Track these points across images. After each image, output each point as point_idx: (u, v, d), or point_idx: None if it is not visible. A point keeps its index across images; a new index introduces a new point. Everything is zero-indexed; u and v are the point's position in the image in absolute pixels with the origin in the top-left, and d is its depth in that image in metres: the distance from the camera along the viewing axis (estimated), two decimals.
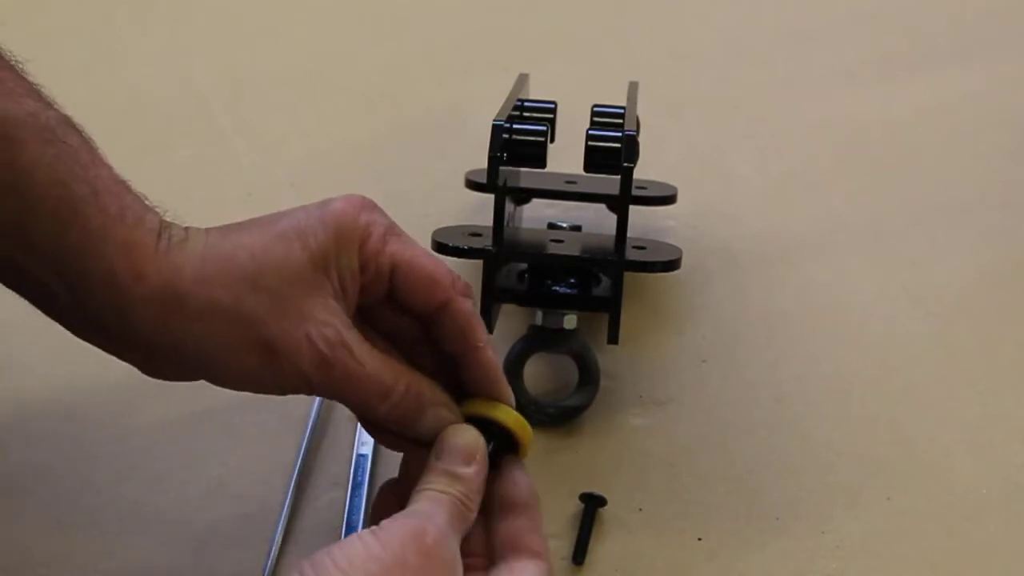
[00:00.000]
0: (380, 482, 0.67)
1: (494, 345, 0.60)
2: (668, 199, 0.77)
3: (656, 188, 0.78)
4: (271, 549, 0.64)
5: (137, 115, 0.89)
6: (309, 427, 0.70)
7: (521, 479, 0.59)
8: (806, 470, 0.69)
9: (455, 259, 0.69)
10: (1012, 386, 0.74)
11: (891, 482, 0.69)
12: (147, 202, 0.56)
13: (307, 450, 0.69)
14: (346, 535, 0.65)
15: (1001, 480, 0.69)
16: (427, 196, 0.84)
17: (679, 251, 0.72)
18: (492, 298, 0.67)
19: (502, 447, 0.58)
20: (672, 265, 0.70)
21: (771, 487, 0.68)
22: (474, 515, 0.56)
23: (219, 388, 0.58)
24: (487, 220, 0.68)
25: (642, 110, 0.73)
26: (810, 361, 0.75)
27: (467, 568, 0.55)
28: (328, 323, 0.56)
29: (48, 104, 0.55)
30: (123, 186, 0.56)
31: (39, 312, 0.56)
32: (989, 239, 0.84)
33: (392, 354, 0.59)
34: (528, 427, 0.59)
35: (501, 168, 0.66)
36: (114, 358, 0.57)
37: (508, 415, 0.59)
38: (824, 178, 0.89)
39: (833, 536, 0.66)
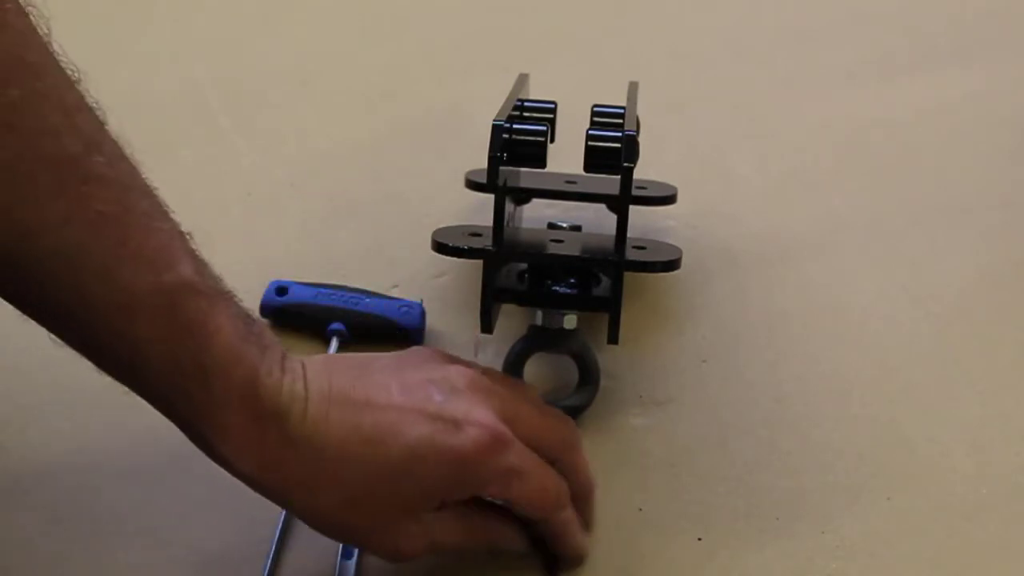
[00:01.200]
0: None
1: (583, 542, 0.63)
2: (668, 199, 0.77)
3: (656, 188, 0.78)
4: (271, 549, 0.64)
5: (137, 115, 0.88)
6: None
7: None
8: (806, 470, 0.69)
9: (455, 259, 0.69)
10: (1012, 386, 0.74)
11: (891, 482, 0.69)
12: (266, 345, 0.56)
13: None
14: None
15: (1001, 480, 0.69)
16: (427, 196, 0.84)
17: (679, 251, 0.72)
18: (492, 298, 0.67)
19: None
20: (672, 265, 0.70)
21: (771, 487, 0.68)
22: None
23: None
24: (487, 220, 0.68)
25: (642, 110, 0.73)
26: (810, 361, 0.75)
27: None
28: (420, 539, 0.59)
29: (172, 261, 0.54)
30: (239, 341, 0.55)
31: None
32: (989, 239, 0.84)
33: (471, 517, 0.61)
34: None
35: (501, 168, 0.66)
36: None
37: None
38: (824, 178, 0.89)
39: (833, 536, 0.66)
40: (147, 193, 0.54)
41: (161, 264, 0.53)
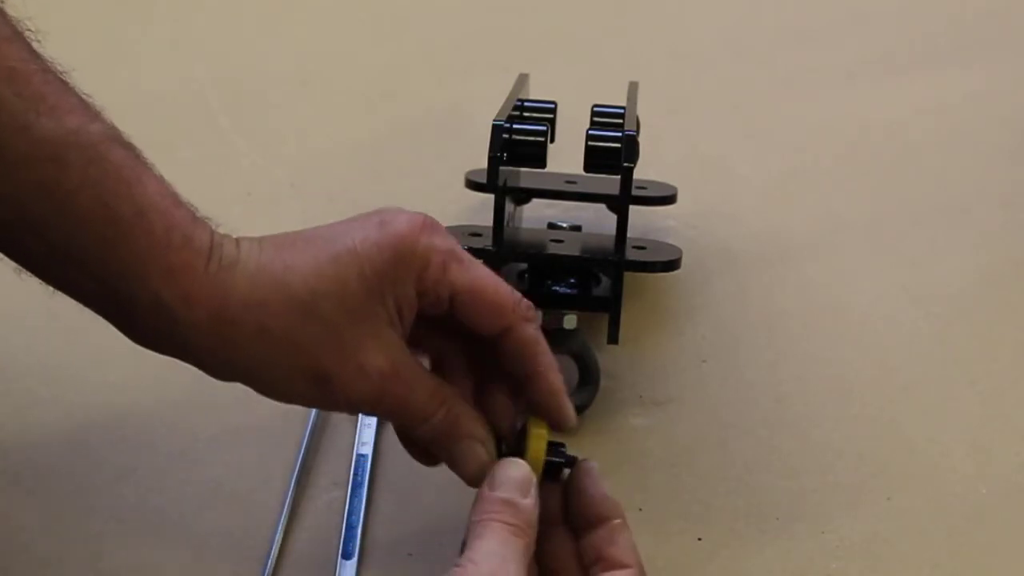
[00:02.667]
0: (380, 482, 0.68)
1: (559, 367, 0.60)
2: (668, 199, 0.77)
3: (656, 188, 0.78)
4: (271, 550, 0.64)
5: (137, 115, 0.88)
6: (309, 427, 0.70)
7: (596, 492, 0.58)
8: (806, 470, 0.69)
9: None
10: (1012, 386, 0.74)
11: (891, 482, 0.68)
12: (198, 215, 0.55)
13: (307, 450, 0.69)
14: (346, 535, 0.65)
15: (1001, 480, 0.69)
16: (427, 196, 0.84)
17: (679, 251, 0.72)
18: None
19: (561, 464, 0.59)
20: (672, 265, 0.70)
21: (771, 487, 0.68)
22: (532, 548, 0.56)
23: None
24: (487, 220, 0.68)
25: (642, 110, 0.73)
26: (810, 361, 0.75)
27: None
28: (381, 353, 0.56)
29: (93, 117, 0.54)
30: (171, 200, 0.54)
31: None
32: (989, 239, 0.84)
33: (438, 376, 0.59)
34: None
35: (501, 168, 0.66)
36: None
37: (538, 444, 0.58)
38: (824, 178, 0.89)
39: (833, 536, 0.66)
40: (53, 69, 0.54)
41: (84, 116, 0.53)
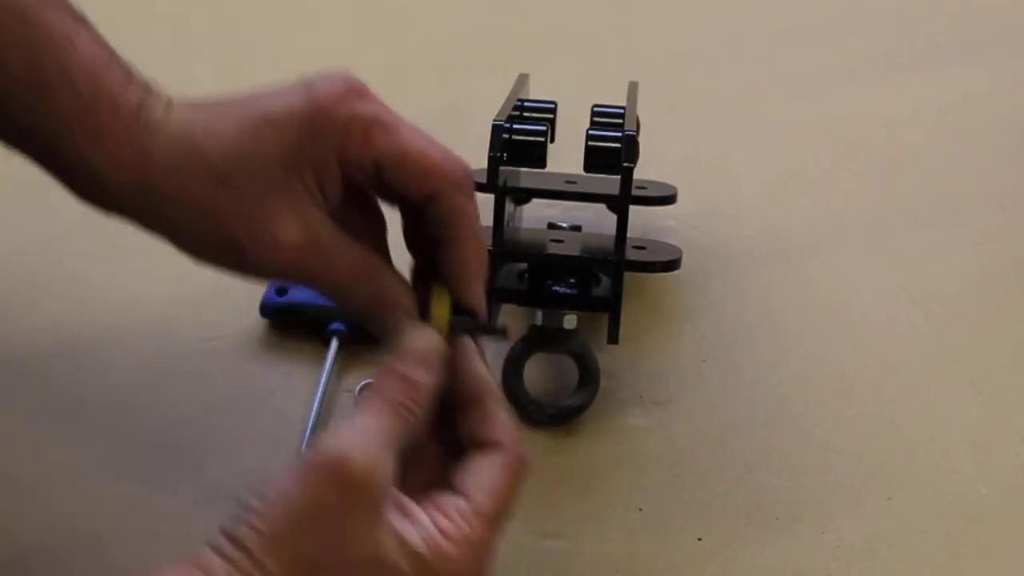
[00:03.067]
0: None
1: (482, 244, 0.58)
2: (668, 199, 0.77)
3: (656, 188, 0.78)
4: None
5: None
6: (309, 427, 0.70)
7: (470, 370, 0.56)
8: (806, 470, 0.69)
9: None
10: (1012, 386, 0.74)
11: (891, 482, 0.69)
12: (133, 75, 0.55)
13: (307, 450, 0.69)
14: None
15: (1001, 480, 0.69)
16: None
17: (679, 251, 0.72)
18: (492, 298, 0.67)
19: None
20: (672, 265, 0.70)
21: (771, 487, 0.68)
22: (421, 421, 0.54)
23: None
24: (487, 220, 0.68)
25: (642, 110, 0.73)
26: (810, 361, 0.75)
27: (422, 480, 0.54)
28: (295, 226, 0.55)
29: None
30: (103, 61, 0.54)
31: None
32: (989, 239, 0.84)
33: (365, 249, 0.57)
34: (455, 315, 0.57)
35: (501, 168, 0.66)
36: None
37: (442, 308, 0.56)
38: (824, 178, 0.89)
39: (833, 536, 0.66)
40: None
41: None
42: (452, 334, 0.56)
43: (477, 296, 0.58)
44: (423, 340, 0.55)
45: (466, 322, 0.57)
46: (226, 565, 0.50)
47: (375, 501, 0.50)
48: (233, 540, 0.50)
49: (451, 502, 0.53)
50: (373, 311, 0.57)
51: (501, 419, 0.55)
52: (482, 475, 0.54)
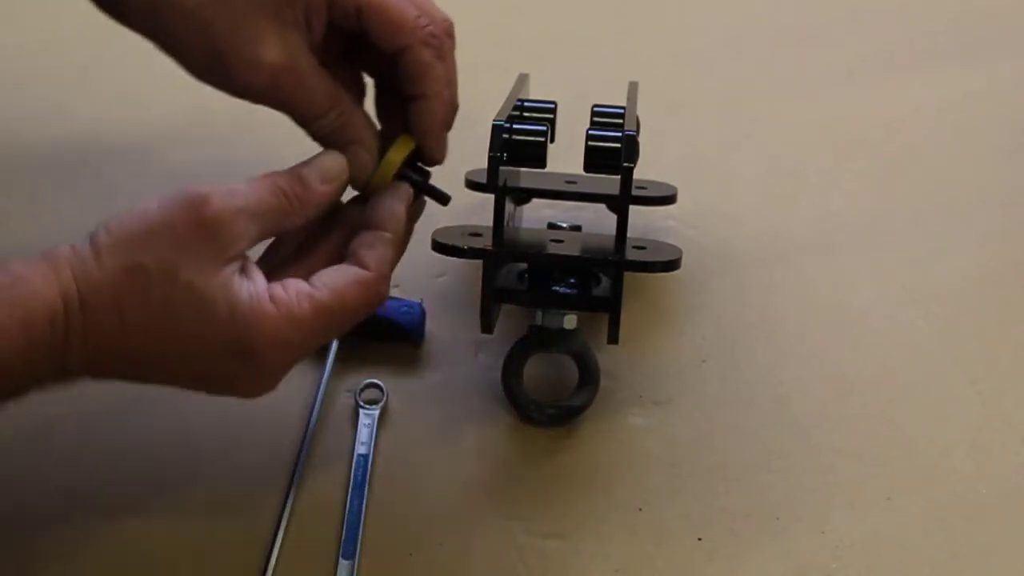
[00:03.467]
0: (380, 482, 0.68)
1: (450, 101, 0.64)
2: (668, 199, 0.77)
3: (656, 188, 0.78)
4: (271, 549, 0.64)
5: (137, 114, 0.89)
6: (310, 427, 0.70)
7: (386, 204, 0.62)
8: (806, 470, 0.69)
9: (455, 259, 0.69)
10: (1012, 386, 0.74)
11: (891, 482, 0.69)
12: None
13: (307, 450, 0.69)
14: (346, 535, 0.65)
15: (1001, 480, 0.69)
16: None
17: (679, 251, 0.72)
18: (492, 298, 0.67)
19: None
20: (672, 265, 0.70)
21: (771, 487, 0.68)
22: (293, 222, 0.60)
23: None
24: (487, 220, 0.68)
25: (642, 110, 0.73)
26: (810, 361, 0.75)
27: (283, 268, 0.60)
28: (277, 48, 0.60)
29: None
30: None
31: None
32: (989, 239, 0.84)
33: (339, 85, 0.63)
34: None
35: (501, 168, 0.66)
36: None
37: (396, 154, 0.63)
38: (824, 178, 0.89)
39: (833, 536, 0.66)
40: None
41: None
42: (396, 180, 0.63)
43: (438, 149, 0.64)
44: (333, 159, 0.62)
45: (412, 177, 0.64)
46: (71, 256, 0.55)
47: (219, 246, 0.56)
48: (89, 237, 0.56)
49: (293, 283, 0.58)
50: (336, 141, 0.63)
51: (382, 253, 0.61)
52: (334, 276, 0.59)
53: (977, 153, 0.91)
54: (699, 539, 0.66)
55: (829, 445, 0.70)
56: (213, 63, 0.62)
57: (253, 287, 0.57)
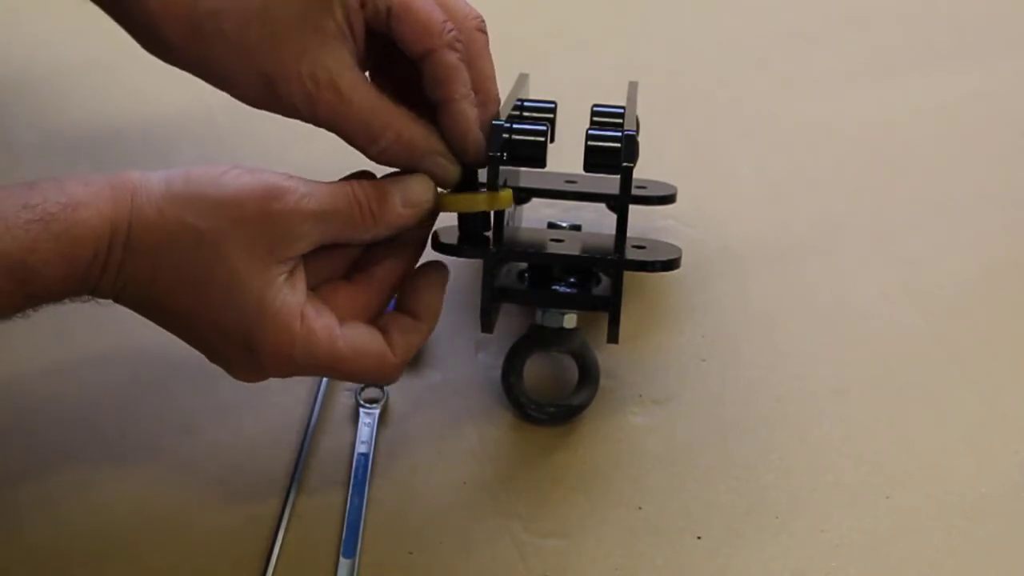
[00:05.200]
0: (380, 482, 0.68)
1: (483, 101, 0.63)
2: (668, 199, 0.77)
3: (656, 188, 0.78)
4: (272, 549, 0.64)
5: (137, 114, 0.89)
6: (310, 427, 0.70)
7: (427, 298, 0.63)
8: (806, 469, 0.69)
9: (455, 259, 0.69)
10: (1012, 386, 0.74)
11: (890, 481, 0.69)
12: None
13: (307, 450, 0.69)
14: (346, 535, 0.65)
15: (1000, 480, 0.69)
16: None
17: (679, 250, 0.72)
18: (492, 298, 0.67)
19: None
20: (672, 264, 0.70)
21: (771, 486, 0.68)
22: (361, 237, 0.60)
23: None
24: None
25: (642, 110, 0.73)
26: (810, 361, 0.75)
27: (328, 280, 0.61)
28: (321, 63, 0.60)
29: None
30: None
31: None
32: (989, 239, 0.84)
33: (395, 102, 0.62)
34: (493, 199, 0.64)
35: (501, 168, 0.66)
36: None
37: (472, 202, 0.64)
38: (824, 178, 0.89)
39: (833, 535, 0.66)
40: None
41: None
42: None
43: (473, 152, 0.63)
44: (421, 185, 0.62)
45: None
46: (138, 186, 0.57)
47: (277, 243, 0.58)
48: (166, 177, 0.58)
49: (327, 316, 0.60)
50: (405, 162, 0.62)
51: (411, 342, 0.63)
52: (363, 338, 0.61)
53: (977, 153, 0.91)
54: (699, 538, 0.66)
55: (829, 445, 0.70)
56: (262, 87, 0.61)
57: (290, 298, 0.58)
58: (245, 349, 0.58)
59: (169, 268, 0.57)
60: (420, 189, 0.62)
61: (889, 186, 0.88)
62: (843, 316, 0.78)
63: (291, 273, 0.58)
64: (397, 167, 0.63)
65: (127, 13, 0.62)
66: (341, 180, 0.61)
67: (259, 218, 0.57)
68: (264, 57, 0.60)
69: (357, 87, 0.61)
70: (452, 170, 0.63)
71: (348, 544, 0.65)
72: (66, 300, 0.58)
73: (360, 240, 0.61)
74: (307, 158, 0.90)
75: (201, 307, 0.58)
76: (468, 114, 0.63)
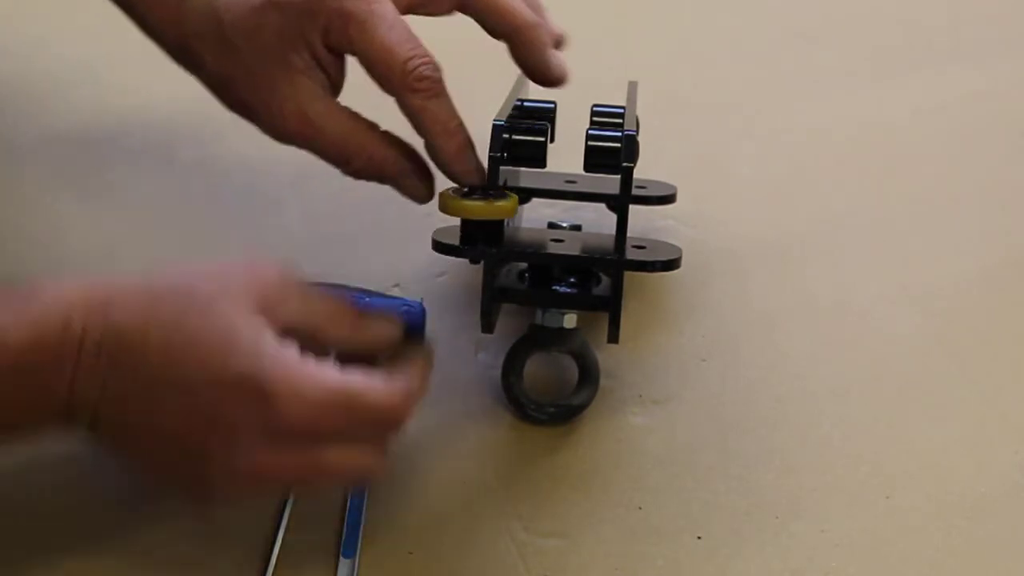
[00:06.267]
0: (380, 482, 0.68)
1: (453, 126, 0.65)
2: (667, 199, 0.77)
3: (656, 188, 0.78)
4: (272, 548, 0.64)
5: (137, 114, 0.89)
6: None
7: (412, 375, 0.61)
8: (806, 469, 0.69)
9: (455, 259, 0.69)
10: (1012, 386, 0.74)
11: (890, 481, 0.69)
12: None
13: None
14: (346, 535, 0.65)
15: (1000, 480, 0.69)
16: None
17: (679, 250, 0.72)
18: (493, 298, 0.67)
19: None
20: (672, 264, 0.70)
21: (771, 486, 0.68)
22: (337, 338, 0.60)
23: None
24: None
25: (642, 110, 0.73)
26: (810, 360, 0.75)
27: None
28: (292, 97, 0.63)
29: None
30: None
31: None
32: (989, 239, 0.84)
33: (359, 121, 0.65)
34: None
35: (501, 168, 0.66)
36: None
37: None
38: (824, 178, 0.89)
39: (832, 535, 0.66)
40: None
41: None
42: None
43: (464, 174, 0.65)
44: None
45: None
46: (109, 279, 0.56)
47: (262, 301, 0.56)
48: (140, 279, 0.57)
49: (324, 362, 0.57)
50: (375, 176, 0.66)
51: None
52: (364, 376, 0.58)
53: (977, 153, 0.91)
54: (699, 538, 0.66)
55: (829, 445, 0.70)
56: (246, 112, 0.66)
57: (287, 346, 0.56)
58: (252, 400, 0.54)
59: (157, 329, 0.54)
60: (386, 329, 0.62)
61: (889, 186, 0.88)
62: (843, 316, 0.78)
63: (278, 332, 0.56)
64: (367, 179, 0.67)
65: (139, 17, 0.68)
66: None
67: (245, 277, 0.57)
68: (242, 89, 0.65)
69: (328, 116, 0.64)
70: (423, 188, 0.66)
71: (348, 544, 0.65)
72: (32, 416, 0.55)
73: (336, 344, 0.60)
74: (307, 156, 0.90)
75: (197, 364, 0.54)
76: (445, 148, 0.65)
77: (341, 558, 0.64)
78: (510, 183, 0.70)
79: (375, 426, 0.58)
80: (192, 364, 0.54)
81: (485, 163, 0.66)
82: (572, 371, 0.71)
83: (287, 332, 0.56)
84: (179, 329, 0.54)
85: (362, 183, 0.84)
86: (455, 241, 0.67)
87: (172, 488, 0.60)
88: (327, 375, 0.56)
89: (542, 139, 0.68)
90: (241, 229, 0.82)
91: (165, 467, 0.57)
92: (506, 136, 0.66)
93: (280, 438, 0.55)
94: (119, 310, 0.54)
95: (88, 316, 0.53)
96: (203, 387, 0.54)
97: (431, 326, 0.75)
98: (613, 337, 0.67)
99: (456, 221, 0.68)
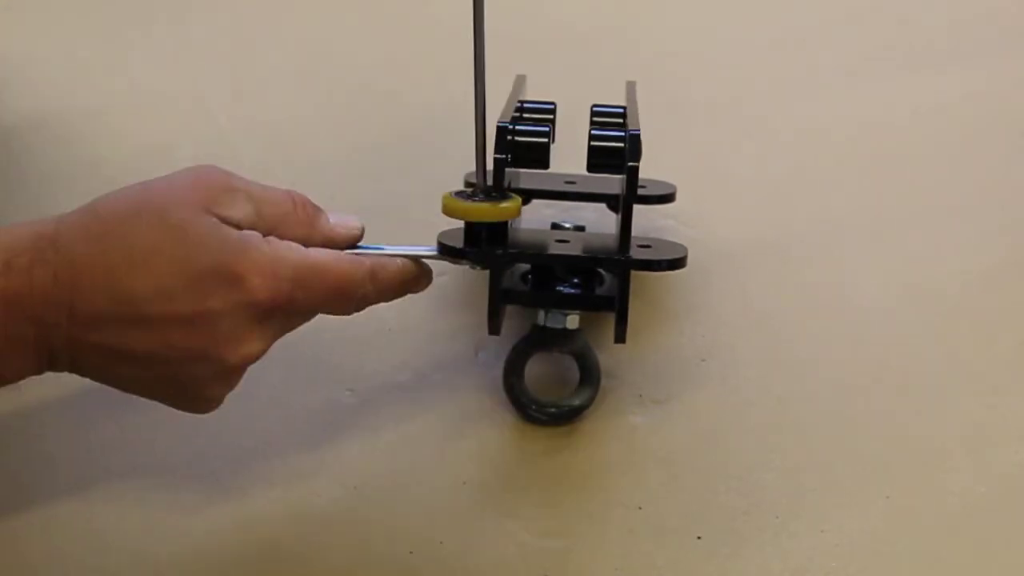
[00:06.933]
0: (381, 482, 0.68)
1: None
2: (667, 197, 0.77)
3: (655, 187, 0.78)
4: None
5: (137, 114, 0.89)
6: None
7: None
8: (806, 469, 0.69)
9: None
10: (1012, 386, 0.74)
11: (890, 481, 0.69)
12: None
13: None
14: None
15: (1001, 480, 0.69)
16: (427, 196, 0.84)
17: (684, 249, 0.72)
18: (498, 300, 0.67)
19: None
20: (678, 263, 0.70)
21: (771, 486, 0.68)
22: (293, 232, 0.60)
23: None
24: None
25: (641, 110, 0.73)
26: (810, 360, 0.75)
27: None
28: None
29: None
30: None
31: None
32: (989, 239, 0.84)
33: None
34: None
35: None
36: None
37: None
38: (824, 178, 0.89)
39: (832, 535, 0.66)
40: None
41: None
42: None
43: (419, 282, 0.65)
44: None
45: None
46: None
47: (212, 201, 0.57)
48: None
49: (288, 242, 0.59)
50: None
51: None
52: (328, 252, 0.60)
53: (977, 153, 0.91)
54: (698, 538, 0.66)
55: (829, 445, 0.70)
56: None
57: (248, 232, 0.58)
58: (224, 285, 0.56)
59: (116, 248, 0.55)
60: (352, 222, 0.64)
61: (889, 186, 0.88)
62: (843, 316, 0.78)
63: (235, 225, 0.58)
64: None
65: None
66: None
67: (192, 183, 0.58)
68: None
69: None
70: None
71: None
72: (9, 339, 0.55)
73: (293, 236, 0.60)
74: (308, 157, 0.90)
75: (164, 268, 0.55)
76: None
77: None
78: (511, 184, 0.70)
79: (344, 297, 0.61)
80: (162, 273, 0.55)
81: (490, 165, 0.66)
82: (573, 371, 0.71)
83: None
84: (137, 245, 0.55)
85: (362, 183, 0.85)
86: (458, 243, 0.67)
87: (165, 400, 0.60)
88: (294, 251, 0.58)
89: (545, 140, 0.68)
90: None
91: (156, 380, 0.58)
92: (509, 138, 0.66)
93: (260, 316, 0.57)
94: (67, 238, 0.55)
95: (36, 252, 0.55)
96: (180, 291, 0.56)
97: (433, 326, 0.76)
98: (620, 336, 0.67)
99: (456, 222, 0.68)
